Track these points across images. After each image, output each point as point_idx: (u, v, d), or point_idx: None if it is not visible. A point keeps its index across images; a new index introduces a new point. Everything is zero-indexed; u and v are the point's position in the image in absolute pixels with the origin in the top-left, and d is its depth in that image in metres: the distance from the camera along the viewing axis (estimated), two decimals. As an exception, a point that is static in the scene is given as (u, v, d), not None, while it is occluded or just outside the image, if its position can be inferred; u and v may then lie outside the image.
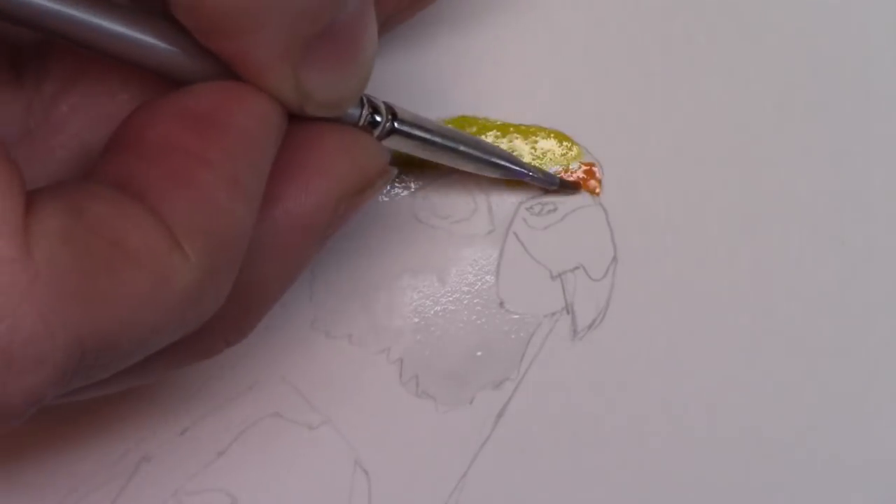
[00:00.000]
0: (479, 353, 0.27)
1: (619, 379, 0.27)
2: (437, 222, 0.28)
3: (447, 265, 0.28)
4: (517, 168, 0.27)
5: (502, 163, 0.27)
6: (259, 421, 0.27)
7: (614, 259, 0.28)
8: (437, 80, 0.29)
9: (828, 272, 0.28)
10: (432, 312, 0.28)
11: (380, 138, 0.23)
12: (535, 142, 0.29)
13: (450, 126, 0.25)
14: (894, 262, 0.28)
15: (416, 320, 0.28)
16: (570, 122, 0.29)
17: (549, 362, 0.27)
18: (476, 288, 0.28)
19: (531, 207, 0.28)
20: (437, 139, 0.25)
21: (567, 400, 0.27)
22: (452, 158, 0.26)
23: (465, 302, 0.28)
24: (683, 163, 0.29)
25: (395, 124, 0.23)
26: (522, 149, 0.29)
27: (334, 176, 0.21)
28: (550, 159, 0.29)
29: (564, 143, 0.29)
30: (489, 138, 0.29)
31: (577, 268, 0.28)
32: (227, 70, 0.19)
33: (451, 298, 0.28)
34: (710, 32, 0.30)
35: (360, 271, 0.28)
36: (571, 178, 0.28)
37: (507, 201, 0.28)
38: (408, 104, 0.29)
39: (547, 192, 0.28)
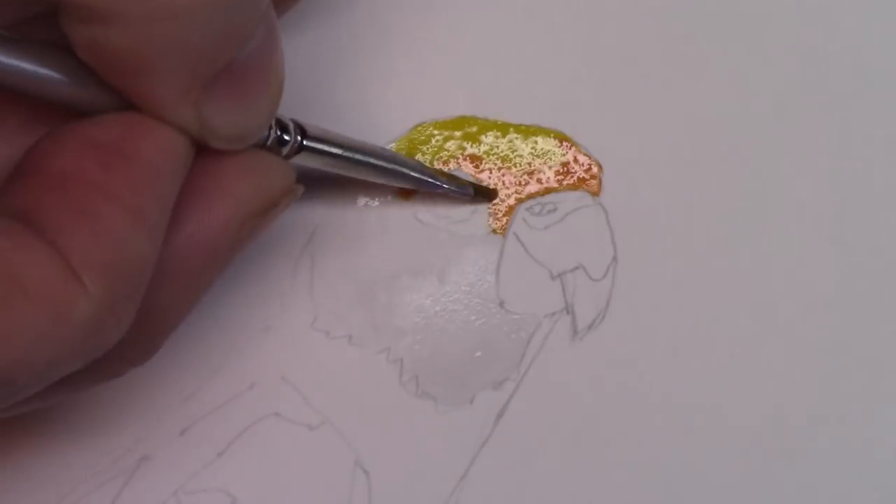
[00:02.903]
0: (478, 354, 0.27)
1: (619, 379, 0.27)
2: (437, 222, 0.28)
3: (447, 265, 0.28)
4: (429, 179, 0.27)
5: (414, 174, 0.27)
6: (259, 421, 0.27)
7: (614, 259, 0.28)
8: (436, 80, 0.29)
9: (828, 272, 0.28)
10: (432, 312, 0.28)
11: (288, 156, 0.23)
12: (535, 142, 0.29)
13: (360, 139, 0.25)
14: (894, 262, 0.28)
15: (416, 320, 0.28)
16: (570, 122, 0.29)
17: (549, 362, 0.27)
18: (476, 288, 0.28)
19: (531, 207, 0.28)
20: (347, 153, 0.25)
21: (567, 400, 0.27)
22: (364, 171, 0.26)
23: (465, 302, 0.28)
24: (683, 163, 0.29)
25: (304, 141, 0.23)
26: (522, 149, 0.29)
27: (237, 199, 0.21)
28: (551, 159, 0.29)
29: (564, 143, 0.29)
30: (489, 138, 0.29)
31: (577, 268, 0.28)
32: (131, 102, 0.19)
33: (451, 298, 0.28)
34: (710, 32, 0.30)
35: (360, 271, 0.28)
36: (486, 185, 0.28)
37: (507, 202, 0.28)
38: (407, 105, 0.29)
39: (466, 200, 0.28)
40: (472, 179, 0.28)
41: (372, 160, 0.25)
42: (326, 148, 0.24)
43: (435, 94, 0.29)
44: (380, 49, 0.29)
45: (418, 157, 0.28)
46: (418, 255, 0.28)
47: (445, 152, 0.28)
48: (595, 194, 0.28)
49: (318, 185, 0.28)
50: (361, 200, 0.28)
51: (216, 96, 0.19)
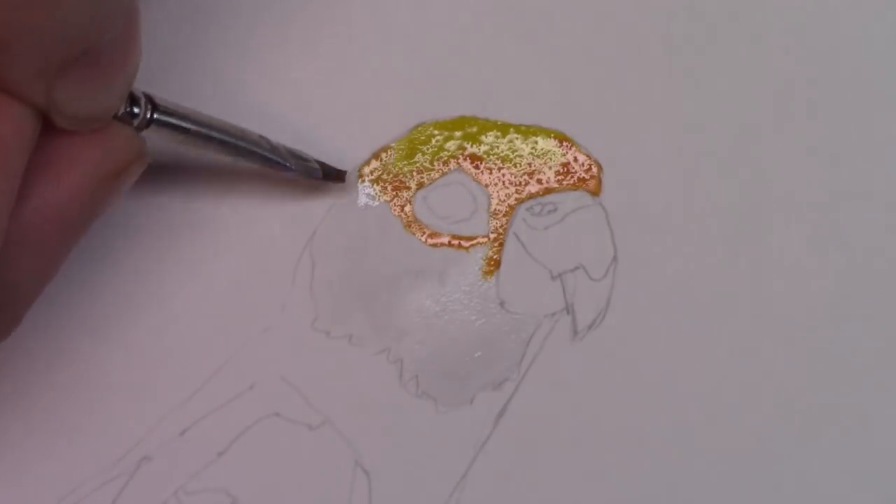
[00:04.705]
0: (478, 354, 0.27)
1: (619, 379, 0.27)
2: (437, 222, 0.28)
3: (447, 265, 0.28)
4: (276, 159, 0.27)
5: (261, 153, 0.26)
6: (259, 421, 0.27)
7: (614, 259, 0.28)
8: (437, 79, 0.29)
9: (828, 272, 0.28)
10: (432, 312, 0.28)
11: (139, 129, 0.23)
12: (535, 142, 0.29)
13: (211, 116, 0.25)
14: (894, 262, 0.28)
15: (417, 320, 0.28)
16: (570, 122, 0.29)
17: (549, 362, 0.27)
18: (476, 288, 0.28)
19: (531, 207, 0.28)
20: (197, 128, 0.25)
21: (567, 400, 0.27)
22: (214, 148, 0.26)
23: (466, 302, 0.28)
24: (683, 163, 0.29)
25: (154, 115, 0.23)
26: (522, 149, 0.29)
27: (85, 167, 0.21)
28: (551, 159, 0.29)
29: (564, 143, 0.29)
30: (489, 138, 0.29)
31: (577, 268, 0.28)
32: None
33: (451, 298, 0.28)
34: (710, 32, 0.30)
35: (360, 271, 0.28)
36: (336, 168, 0.28)
37: (507, 202, 0.28)
38: (407, 105, 0.29)
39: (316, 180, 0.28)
40: (331, 164, 0.28)
41: (222, 136, 0.25)
42: (176, 122, 0.24)
43: (435, 94, 0.29)
44: (380, 49, 0.29)
45: (418, 156, 0.28)
46: (418, 255, 0.28)
47: (445, 152, 0.28)
48: (595, 194, 0.28)
49: (318, 186, 0.28)
50: (362, 200, 0.28)
51: (70, 80, 0.19)
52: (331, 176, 0.28)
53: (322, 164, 0.28)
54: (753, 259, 0.28)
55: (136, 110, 0.23)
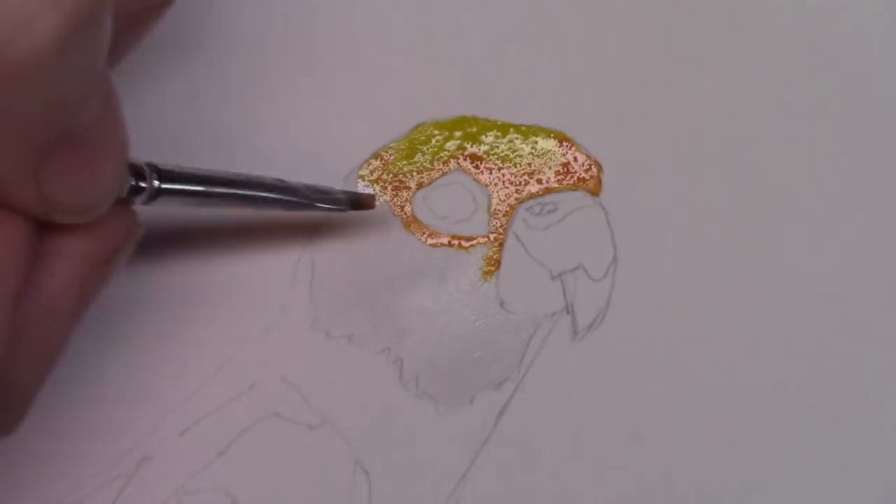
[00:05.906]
0: (478, 354, 0.27)
1: (619, 379, 0.27)
2: (437, 222, 0.28)
3: (447, 265, 0.28)
4: (298, 200, 0.25)
5: (282, 197, 0.25)
6: (259, 421, 0.27)
7: (614, 259, 0.28)
8: (437, 80, 0.29)
9: (828, 272, 0.28)
10: (432, 312, 0.28)
11: (148, 201, 0.22)
12: (535, 142, 0.29)
13: (221, 170, 0.24)
14: (894, 262, 0.28)
15: (417, 320, 0.28)
16: (570, 122, 0.29)
17: (549, 362, 0.27)
18: (476, 288, 0.28)
19: (531, 207, 0.28)
20: (210, 188, 0.23)
21: (567, 400, 0.27)
22: (231, 203, 0.24)
23: (465, 302, 0.28)
24: (683, 163, 0.29)
25: (162, 185, 0.22)
26: (522, 149, 0.29)
27: (75, 257, 0.20)
28: (551, 159, 0.29)
29: (564, 143, 0.29)
30: (489, 138, 0.29)
31: (577, 268, 0.28)
32: None
33: (451, 298, 0.28)
34: (710, 32, 0.30)
35: (360, 271, 0.28)
36: (363, 193, 0.27)
37: (507, 202, 0.28)
38: (407, 105, 0.29)
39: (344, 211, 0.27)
40: (365, 189, 0.27)
41: (237, 191, 0.24)
42: (187, 188, 0.23)
43: (435, 94, 0.29)
44: (380, 49, 0.29)
45: (418, 156, 0.28)
46: (419, 254, 0.28)
47: (445, 152, 0.29)
48: (595, 194, 0.28)
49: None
50: (361, 200, 0.28)
51: (56, 168, 0.18)
52: (359, 204, 0.27)
53: (348, 194, 0.27)
54: (753, 259, 0.28)
55: (141, 184, 0.21)
